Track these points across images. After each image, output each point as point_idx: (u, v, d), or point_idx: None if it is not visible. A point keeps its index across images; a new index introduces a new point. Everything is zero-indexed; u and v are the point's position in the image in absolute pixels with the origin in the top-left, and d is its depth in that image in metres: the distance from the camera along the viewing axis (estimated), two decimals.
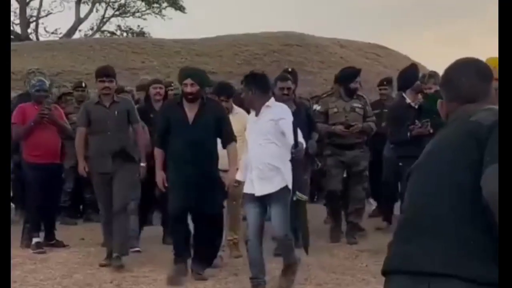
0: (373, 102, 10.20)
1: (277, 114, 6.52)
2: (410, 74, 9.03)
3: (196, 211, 7.12)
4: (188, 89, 7.08)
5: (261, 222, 6.59)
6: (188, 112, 7.11)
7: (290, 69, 9.29)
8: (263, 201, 6.54)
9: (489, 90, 2.73)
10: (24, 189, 8.86)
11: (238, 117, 7.80)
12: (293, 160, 6.31)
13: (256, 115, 6.70)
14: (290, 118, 6.46)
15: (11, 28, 36.68)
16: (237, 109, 8.12)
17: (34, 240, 8.39)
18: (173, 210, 7.10)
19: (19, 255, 8.00)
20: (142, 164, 7.91)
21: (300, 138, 6.30)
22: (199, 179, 6.95)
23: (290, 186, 6.43)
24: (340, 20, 66.00)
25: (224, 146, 7.19)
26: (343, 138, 8.62)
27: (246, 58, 24.01)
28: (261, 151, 6.51)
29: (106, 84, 7.79)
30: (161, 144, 7.23)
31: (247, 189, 6.66)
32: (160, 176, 7.17)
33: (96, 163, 7.73)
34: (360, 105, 8.78)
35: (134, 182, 7.98)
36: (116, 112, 7.79)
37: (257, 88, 6.68)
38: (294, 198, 6.35)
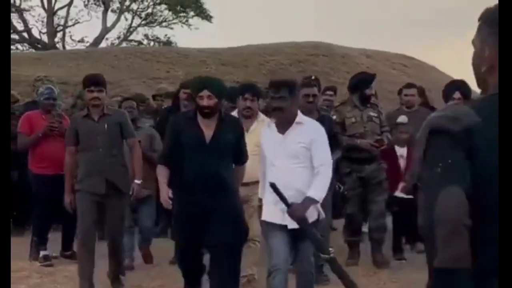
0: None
1: (308, 135, 5.60)
2: (447, 90, 8.29)
3: (211, 244, 5.96)
4: (205, 102, 5.97)
5: (289, 252, 5.64)
6: (205, 129, 6.03)
7: (313, 77, 8.63)
8: (291, 232, 5.59)
9: None
10: (29, 201, 8.63)
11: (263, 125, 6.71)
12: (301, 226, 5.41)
13: (282, 132, 5.66)
14: (324, 139, 5.68)
15: (38, 37, 36.89)
16: (262, 116, 7.15)
17: (42, 253, 8.15)
18: (180, 245, 6.23)
19: (26, 268, 7.81)
20: (137, 181, 7.12)
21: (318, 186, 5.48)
22: (215, 209, 5.87)
23: (322, 214, 5.70)
24: (368, 30, 65.70)
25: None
26: (363, 151, 8.02)
27: (272, 68, 23.77)
28: (292, 177, 5.51)
29: (95, 94, 6.90)
30: (165, 163, 6.16)
31: (274, 219, 5.63)
32: (165, 192, 6.03)
33: (87, 184, 6.86)
34: (375, 114, 8.26)
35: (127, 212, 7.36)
36: (105, 126, 6.92)
37: (293, 99, 5.65)
38: (320, 263, 5.66)
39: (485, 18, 2.19)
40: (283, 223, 5.53)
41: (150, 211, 8.24)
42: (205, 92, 5.98)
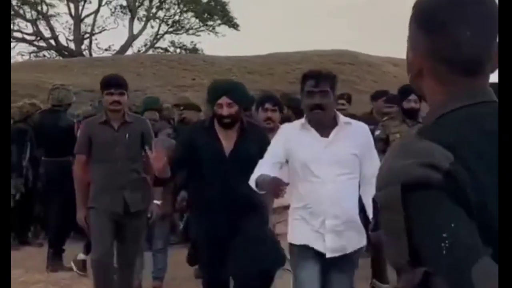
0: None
1: (360, 140, 4.53)
2: None
3: (237, 272, 5.13)
4: (225, 111, 5.14)
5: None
6: (224, 141, 5.20)
7: None
8: (326, 260, 4.45)
9: (496, 49, 1.58)
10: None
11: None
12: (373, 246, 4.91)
13: (326, 135, 4.50)
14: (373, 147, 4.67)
15: (65, 44, 37.13)
16: None
17: (80, 256, 7.56)
18: (207, 277, 5.41)
19: (42, 280, 7.68)
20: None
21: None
22: (240, 234, 5.02)
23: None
24: (395, 38, 65.49)
25: None
26: None
27: (298, 76, 23.36)
28: (342, 190, 4.40)
29: (116, 98, 5.87)
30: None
31: (309, 241, 4.44)
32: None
33: (102, 202, 5.88)
34: None
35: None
36: (127, 136, 5.94)
37: (334, 95, 4.56)
38: None
39: (415, 10, 1.63)
40: (321, 250, 4.42)
41: (163, 229, 7.41)
42: (224, 99, 5.16)
